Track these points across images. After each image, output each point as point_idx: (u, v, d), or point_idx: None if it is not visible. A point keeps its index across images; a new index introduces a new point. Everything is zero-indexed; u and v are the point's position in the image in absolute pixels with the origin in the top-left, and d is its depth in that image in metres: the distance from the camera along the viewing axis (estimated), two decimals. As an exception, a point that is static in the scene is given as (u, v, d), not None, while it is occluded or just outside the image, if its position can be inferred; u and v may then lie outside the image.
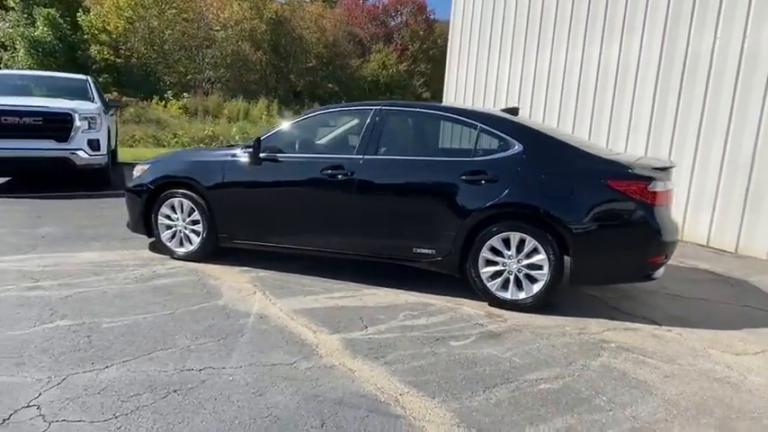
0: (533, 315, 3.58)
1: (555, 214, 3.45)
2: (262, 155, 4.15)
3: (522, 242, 3.57)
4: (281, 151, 4.19)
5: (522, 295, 3.62)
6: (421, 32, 32.79)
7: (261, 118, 21.27)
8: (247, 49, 25.37)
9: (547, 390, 2.61)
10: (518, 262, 3.60)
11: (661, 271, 3.56)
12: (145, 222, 4.64)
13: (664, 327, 3.51)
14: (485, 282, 3.69)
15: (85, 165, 7.77)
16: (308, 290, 3.94)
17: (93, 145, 7.87)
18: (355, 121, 4.24)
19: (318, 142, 4.47)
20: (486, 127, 3.77)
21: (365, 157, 3.93)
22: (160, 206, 4.54)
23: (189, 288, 3.87)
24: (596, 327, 3.44)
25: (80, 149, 7.67)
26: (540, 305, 3.61)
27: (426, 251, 3.82)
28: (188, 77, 23.69)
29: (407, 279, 4.18)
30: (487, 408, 2.43)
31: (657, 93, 6.72)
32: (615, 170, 3.45)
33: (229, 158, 4.34)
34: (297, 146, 4.31)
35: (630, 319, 3.62)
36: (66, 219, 5.93)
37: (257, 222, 4.29)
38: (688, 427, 2.33)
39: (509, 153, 3.64)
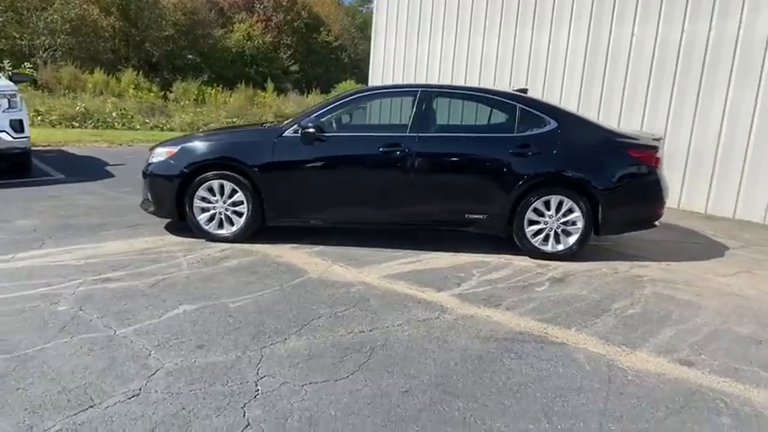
0: (571, 263, 4.38)
1: (589, 180, 4.24)
2: (318, 133, 4.28)
3: (560, 203, 4.31)
4: (332, 130, 4.37)
5: (559, 247, 4.40)
6: (284, 3, 32.05)
7: (128, 92, 19.31)
8: (96, 14, 22.73)
9: (637, 313, 3.40)
10: (557, 220, 4.35)
11: (659, 220, 4.58)
12: (177, 206, 4.48)
13: (663, 262, 4.55)
14: (529, 238, 4.39)
15: (8, 148, 6.83)
16: (374, 259, 4.27)
17: (16, 126, 6.93)
18: (400, 102, 4.58)
19: (366, 121, 4.71)
20: (524, 107, 4.41)
21: (419, 134, 4.33)
22: (196, 189, 4.42)
23: (266, 266, 3.96)
24: (622, 267, 4.35)
25: (2, 131, 6.73)
26: (572, 255, 4.42)
27: (478, 216, 4.40)
28: (22, 43, 20.51)
29: (445, 242, 4.70)
30: (609, 329, 3.13)
31: (584, 78, 7.97)
32: (632, 142, 4.35)
33: (279, 137, 4.39)
34: (346, 125, 4.51)
35: (637, 259, 4.61)
36: (30, 210, 5.30)
37: (312, 200, 4.45)
38: (743, 325, 3.29)
39: (547, 129, 4.34)
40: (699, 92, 6.84)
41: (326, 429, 2.07)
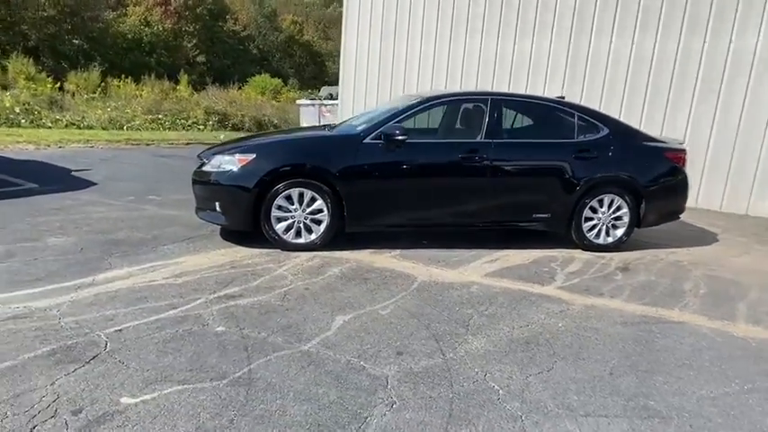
0: (619, 253, 4.97)
1: (637, 179, 4.85)
2: (402, 138, 4.41)
3: (611, 201, 4.88)
4: (411, 136, 4.52)
5: (609, 240, 4.98)
6: (185, -15, 30.25)
7: (18, 83, 17.15)
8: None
9: (708, 293, 4.03)
10: (609, 216, 4.91)
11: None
12: (253, 217, 4.41)
13: (683, 248, 5.31)
14: (585, 233, 4.91)
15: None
16: (458, 260, 4.52)
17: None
18: (471, 109, 4.85)
19: (437, 127, 4.91)
20: (581, 114, 4.91)
21: (494, 141, 4.65)
22: (274, 199, 4.38)
23: (372, 273, 4.06)
24: (660, 254, 5.03)
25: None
26: (618, 246, 5.01)
27: (544, 215, 4.83)
28: None
29: (499, 241, 5.08)
30: (701, 308, 3.71)
31: (565, 83, 8.75)
32: (668, 146, 5.04)
33: (361, 142, 4.48)
34: (419, 130, 4.69)
35: (663, 246, 5.32)
36: (46, 226, 4.85)
37: (393, 204, 4.59)
38: (786, 296, 4.05)
39: (601, 135, 4.88)
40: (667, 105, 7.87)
41: (586, 411, 2.35)
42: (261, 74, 29.31)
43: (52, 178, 7.09)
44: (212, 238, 4.72)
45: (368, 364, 2.67)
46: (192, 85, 23.07)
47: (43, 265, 3.77)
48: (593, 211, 4.89)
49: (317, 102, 15.04)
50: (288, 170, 4.38)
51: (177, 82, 22.48)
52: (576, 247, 5.00)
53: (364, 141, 4.50)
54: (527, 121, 4.86)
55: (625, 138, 4.94)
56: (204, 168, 4.62)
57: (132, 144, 11.77)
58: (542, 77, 8.87)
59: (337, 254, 4.48)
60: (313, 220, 4.52)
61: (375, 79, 10.67)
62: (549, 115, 4.96)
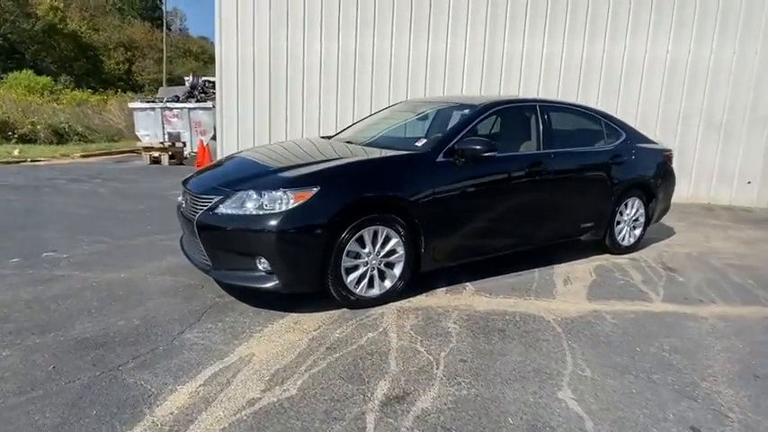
0: (640, 252, 5.11)
1: (652, 180, 5.03)
2: (490, 154, 3.72)
3: (634, 203, 4.98)
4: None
5: (631, 241, 5.08)
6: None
7: None
8: None
9: (761, 279, 4.35)
10: (631, 218, 5.00)
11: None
12: (321, 272, 3.28)
13: (674, 239, 5.74)
14: (616, 236, 4.92)
15: None
16: (537, 285, 4.06)
17: None
18: (523, 116, 4.37)
19: (497, 138, 4.28)
20: (606, 120, 4.86)
21: (552, 151, 4.28)
22: (346, 242, 3.33)
23: (496, 322, 3.36)
24: (671, 249, 5.32)
25: None
26: (635, 246, 5.15)
27: (589, 224, 4.68)
28: None
29: (539, 257, 4.78)
30: (780, 299, 3.98)
31: (483, 82, 8.82)
32: (665, 147, 5.34)
33: (434, 161, 3.66)
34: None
35: (658, 240, 5.65)
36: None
37: (473, 231, 3.89)
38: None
39: (622, 139, 4.91)
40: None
41: None
42: (12, 71, 24.16)
43: None
44: (238, 309, 3.39)
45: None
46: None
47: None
48: (620, 214, 4.93)
49: (159, 105, 12.65)
50: (367, 203, 3.37)
51: None
52: (602, 252, 4.98)
53: (437, 160, 3.71)
54: (565, 128, 4.62)
55: (637, 141, 5.07)
56: (222, 211, 3.27)
57: None
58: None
59: (415, 301, 3.63)
60: (387, 264, 3.57)
61: (266, 82, 9.33)
62: (583, 122, 4.81)
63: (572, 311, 3.57)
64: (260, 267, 3.25)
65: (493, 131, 4.45)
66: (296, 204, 3.19)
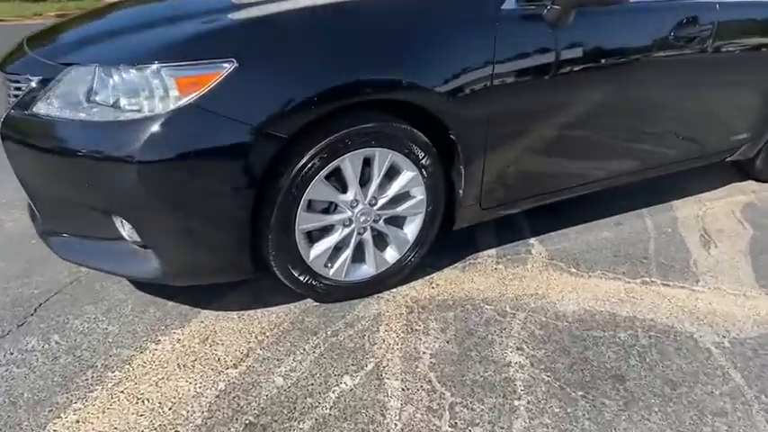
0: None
1: None
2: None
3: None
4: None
5: None
6: None
7: None
8: None
9: None
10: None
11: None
12: (252, 242, 1.58)
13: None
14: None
15: None
16: (653, 256, 2.34)
17: None
18: None
19: None
20: None
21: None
22: (308, 182, 1.57)
23: (607, 353, 1.70)
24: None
25: None
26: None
27: (743, 136, 2.76)
28: None
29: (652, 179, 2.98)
30: None
31: None
32: None
33: (500, 7, 1.74)
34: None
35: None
36: None
37: (562, 151, 2.08)
38: None
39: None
40: None
41: None
42: None
43: None
44: (101, 304, 1.78)
45: None
46: None
47: None
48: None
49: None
50: (351, 98, 1.55)
51: None
52: (739, 179, 3.11)
53: (504, 8, 1.77)
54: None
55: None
56: (41, 109, 1.51)
57: None
58: None
59: (442, 283, 1.97)
60: (389, 221, 1.84)
61: None
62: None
63: (743, 318, 1.86)
64: (124, 235, 1.57)
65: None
66: (186, 100, 1.39)
